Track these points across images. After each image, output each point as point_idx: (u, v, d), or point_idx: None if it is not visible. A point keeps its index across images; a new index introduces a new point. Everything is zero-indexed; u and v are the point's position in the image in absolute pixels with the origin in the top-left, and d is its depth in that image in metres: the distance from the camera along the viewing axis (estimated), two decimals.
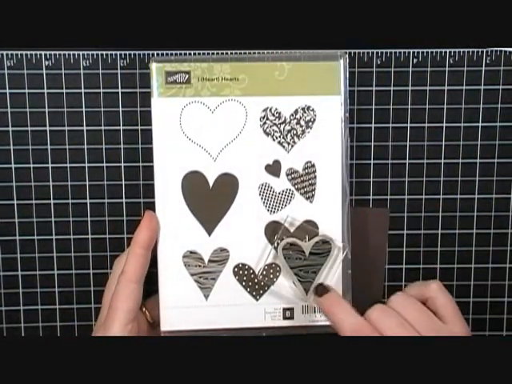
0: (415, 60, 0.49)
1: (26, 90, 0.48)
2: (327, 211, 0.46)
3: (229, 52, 0.47)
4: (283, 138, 0.45)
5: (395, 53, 0.49)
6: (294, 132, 0.45)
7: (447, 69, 0.49)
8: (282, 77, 0.45)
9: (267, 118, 0.45)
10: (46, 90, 0.48)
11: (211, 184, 0.45)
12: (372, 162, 0.50)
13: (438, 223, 0.51)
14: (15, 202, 0.49)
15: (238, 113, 0.45)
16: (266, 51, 0.46)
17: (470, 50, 0.49)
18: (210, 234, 0.45)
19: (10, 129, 0.48)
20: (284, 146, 0.45)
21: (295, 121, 0.45)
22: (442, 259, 0.51)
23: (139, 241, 0.43)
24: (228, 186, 0.45)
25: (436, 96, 0.49)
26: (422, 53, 0.49)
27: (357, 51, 0.49)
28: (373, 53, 0.49)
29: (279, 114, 0.45)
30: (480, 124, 0.50)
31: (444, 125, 0.50)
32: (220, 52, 0.48)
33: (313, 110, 0.45)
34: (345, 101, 0.45)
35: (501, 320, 0.52)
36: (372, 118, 0.49)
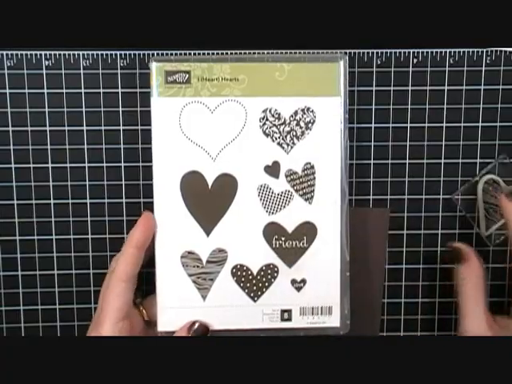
0: (415, 60, 0.49)
1: (26, 90, 0.48)
2: (326, 213, 0.46)
3: (229, 52, 0.47)
4: (283, 139, 0.45)
5: (395, 53, 0.49)
6: (294, 133, 0.45)
7: (447, 69, 0.49)
8: (282, 77, 0.45)
9: (267, 119, 0.45)
10: (46, 90, 0.48)
11: (210, 184, 0.45)
12: (372, 161, 0.50)
13: (438, 223, 0.51)
14: (15, 202, 0.49)
15: (238, 113, 0.45)
16: (266, 52, 0.46)
17: (470, 50, 0.49)
18: (208, 235, 0.45)
19: (10, 129, 0.49)
20: (283, 147, 0.45)
21: (295, 122, 0.45)
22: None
23: (132, 240, 0.44)
24: (227, 186, 0.45)
25: (436, 96, 0.49)
26: (422, 53, 0.49)
27: (357, 51, 0.49)
28: (373, 53, 0.49)
29: (279, 114, 0.45)
30: (480, 124, 0.50)
31: (444, 125, 0.50)
32: (220, 52, 0.48)
33: (312, 111, 0.45)
34: (345, 102, 0.45)
35: None
36: (372, 118, 0.49)
